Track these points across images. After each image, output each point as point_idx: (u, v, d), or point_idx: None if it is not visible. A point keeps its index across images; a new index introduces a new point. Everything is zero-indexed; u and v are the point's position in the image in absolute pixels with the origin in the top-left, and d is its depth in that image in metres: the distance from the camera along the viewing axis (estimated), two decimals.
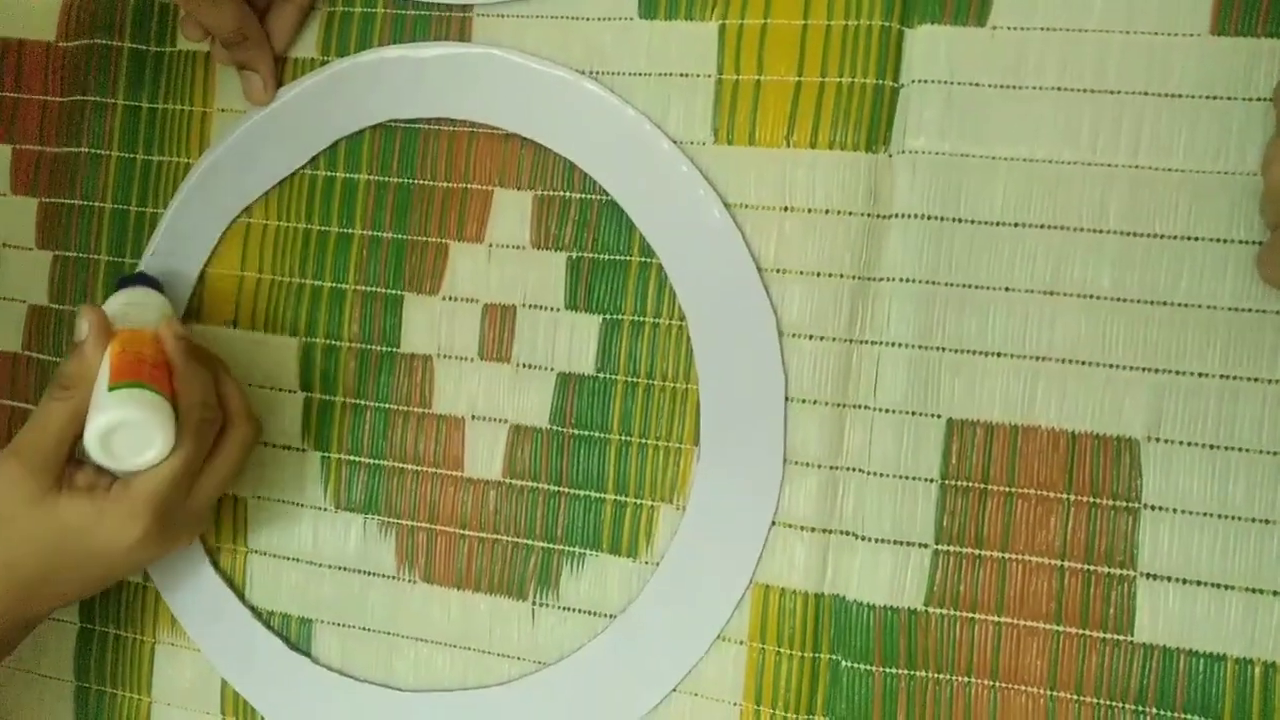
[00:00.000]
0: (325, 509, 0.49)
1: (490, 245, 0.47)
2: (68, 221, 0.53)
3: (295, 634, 0.49)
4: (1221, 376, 0.39)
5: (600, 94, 0.46)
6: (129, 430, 0.39)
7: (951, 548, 0.41)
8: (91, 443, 0.39)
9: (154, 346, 0.42)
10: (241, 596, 0.50)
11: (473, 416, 0.47)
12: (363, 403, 0.49)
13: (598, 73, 0.46)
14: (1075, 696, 0.40)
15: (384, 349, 0.48)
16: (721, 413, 0.44)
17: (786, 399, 0.43)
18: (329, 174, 0.49)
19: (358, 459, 0.49)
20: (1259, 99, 0.39)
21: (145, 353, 0.42)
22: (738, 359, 0.44)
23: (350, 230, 0.49)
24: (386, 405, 0.48)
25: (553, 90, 0.46)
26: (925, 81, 0.42)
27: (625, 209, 0.45)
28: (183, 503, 0.42)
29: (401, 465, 0.48)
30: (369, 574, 0.48)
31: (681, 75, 0.45)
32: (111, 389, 0.40)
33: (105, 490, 0.41)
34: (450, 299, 0.48)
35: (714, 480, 0.44)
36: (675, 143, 0.45)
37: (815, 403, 0.43)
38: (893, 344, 0.42)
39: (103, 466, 0.41)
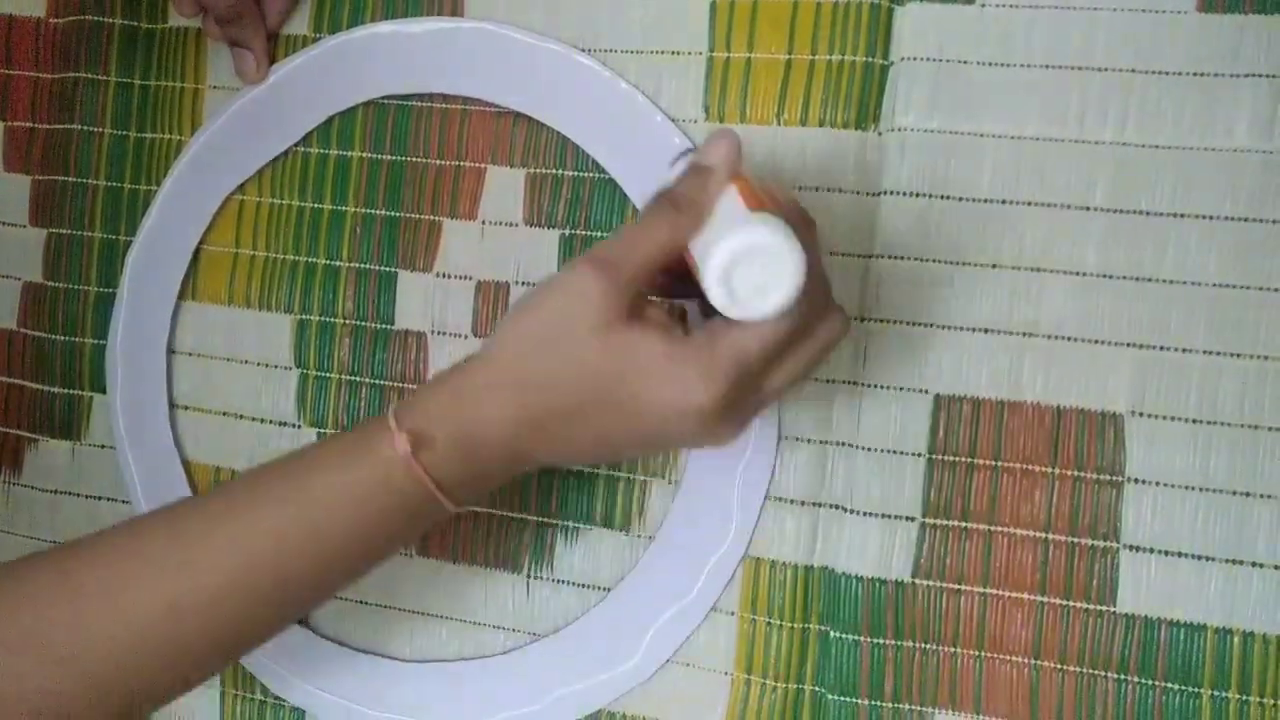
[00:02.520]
0: None
1: (483, 223, 0.48)
2: (61, 199, 0.53)
3: None
4: (1205, 352, 0.40)
5: (592, 67, 0.46)
6: (761, 262, 0.32)
7: (938, 521, 0.42)
8: (714, 268, 0.32)
9: (776, 201, 0.35)
10: None
11: None
12: (357, 379, 0.49)
13: (590, 50, 0.46)
14: (1059, 666, 0.41)
15: (378, 326, 0.49)
16: None
17: None
18: (322, 151, 0.50)
19: None
20: (1246, 75, 0.40)
21: (774, 198, 0.35)
22: None
23: (344, 208, 0.49)
24: (381, 381, 0.49)
25: (545, 64, 0.46)
26: (914, 59, 0.42)
27: (618, 182, 0.46)
28: (759, 384, 0.34)
29: None
30: None
31: (673, 53, 0.45)
32: (754, 210, 0.33)
33: (684, 337, 0.33)
34: (443, 276, 0.48)
35: (708, 455, 0.45)
36: (666, 116, 0.45)
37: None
38: (881, 320, 0.43)
39: (689, 312, 0.35)
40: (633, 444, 0.36)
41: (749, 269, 0.32)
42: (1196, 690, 0.40)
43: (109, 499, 0.52)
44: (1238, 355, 0.40)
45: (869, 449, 0.43)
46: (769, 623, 0.44)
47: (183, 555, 0.35)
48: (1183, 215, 0.40)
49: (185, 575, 0.35)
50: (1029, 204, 0.41)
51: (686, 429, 0.34)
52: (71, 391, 0.53)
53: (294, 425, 0.50)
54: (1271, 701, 0.39)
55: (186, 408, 0.51)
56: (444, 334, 0.48)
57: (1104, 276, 0.41)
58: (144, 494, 0.51)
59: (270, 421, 0.50)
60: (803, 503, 0.44)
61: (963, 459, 0.42)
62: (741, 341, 0.33)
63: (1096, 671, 0.41)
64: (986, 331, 0.42)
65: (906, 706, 0.42)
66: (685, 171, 0.35)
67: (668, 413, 0.33)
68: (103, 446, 0.52)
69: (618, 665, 0.45)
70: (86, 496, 0.53)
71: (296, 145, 0.50)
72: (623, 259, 0.33)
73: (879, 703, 0.42)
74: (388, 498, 0.35)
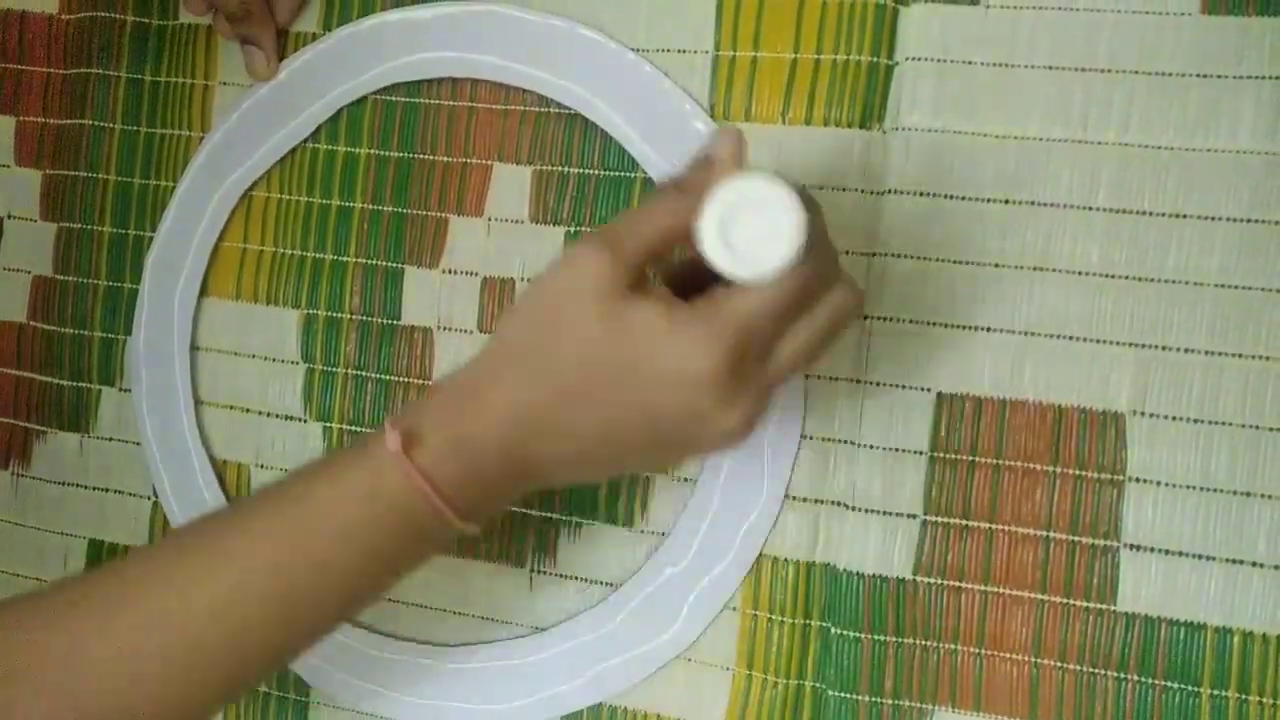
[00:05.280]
0: None
1: (489, 219, 0.48)
2: (72, 193, 0.53)
3: None
4: (1206, 352, 0.40)
5: (598, 39, 0.46)
6: (760, 217, 0.31)
7: (939, 518, 0.42)
8: (709, 220, 0.32)
9: None
10: None
11: None
12: (364, 374, 0.49)
13: None
14: (1059, 664, 0.41)
15: (385, 321, 0.49)
16: None
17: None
18: (330, 148, 0.50)
19: (359, 429, 0.49)
20: (1249, 77, 0.40)
21: None
22: None
23: (351, 204, 0.50)
24: (387, 377, 0.49)
25: (552, 39, 0.46)
26: (919, 59, 0.43)
27: (636, 157, 0.46)
28: (764, 355, 0.33)
29: None
30: None
31: (679, 51, 0.45)
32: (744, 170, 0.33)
33: (685, 306, 0.32)
34: (450, 272, 0.48)
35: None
36: (674, 83, 0.45)
37: (807, 376, 0.44)
38: (884, 319, 0.43)
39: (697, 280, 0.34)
40: (637, 432, 0.34)
41: (748, 224, 0.31)
42: (1196, 689, 0.40)
43: (116, 491, 0.53)
44: (1239, 355, 0.40)
45: (871, 446, 0.43)
46: (770, 619, 0.44)
47: (185, 574, 0.35)
48: (1185, 216, 0.40)
49: (179, 600, 0.34)
50: (1032, 204, 0.42)
51: (687, 402, 0.32)
52: (80, 384, 0.53)
53: (300, 420, 0.50)
54: (1271, 701, 0.39)
55: (201, 402, 0.52)
56: (450, 330, 0.48)
57: (1106, 276, 0.41)
58: (172, 490, 0.51)
59: (276, 415, 0.51)
60: (805, 499, 0.44)
61: (964, 457, 0.42)
62: (743, 304, 0.32)
63: (1096, 670, 0.41)
64: (989, 330, 0.42)
65: (907, 703, 0.42)
66: (692, 161, 0.35)
67: (668, 382, 0.32)
68: (110, 439, 0.53)
69: (619, 659, 0.46)
70: (94, 489, 0.53)
71: (305, 141, 0.50)
72: (625, 236, 0.33)
73: (879, 699, 0.43)
74: (381, 506, 0.34)
